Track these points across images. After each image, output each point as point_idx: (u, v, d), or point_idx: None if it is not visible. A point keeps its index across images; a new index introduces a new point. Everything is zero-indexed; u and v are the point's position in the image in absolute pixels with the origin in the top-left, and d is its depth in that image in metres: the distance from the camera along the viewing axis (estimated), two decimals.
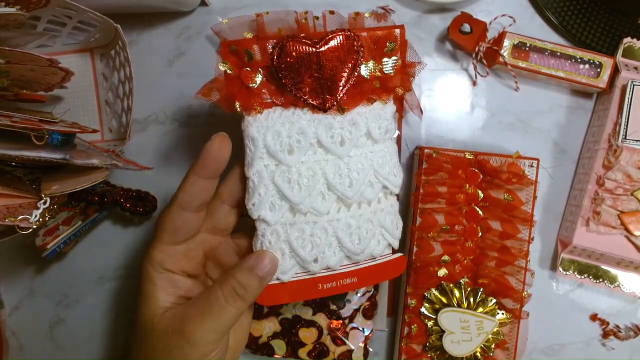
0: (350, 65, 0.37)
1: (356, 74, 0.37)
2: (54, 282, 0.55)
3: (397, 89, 0.38)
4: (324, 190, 0.37)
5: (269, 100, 0.37)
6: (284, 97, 0.37)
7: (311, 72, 0.36)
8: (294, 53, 0.36)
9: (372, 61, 0.38)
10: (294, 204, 0.37)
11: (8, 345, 0.55)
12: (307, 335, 0.49)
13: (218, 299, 0.36)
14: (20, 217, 0.39)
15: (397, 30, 0.38)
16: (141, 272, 0.38)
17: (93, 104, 0.53)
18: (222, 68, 0.36)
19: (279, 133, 0.36)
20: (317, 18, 0.49)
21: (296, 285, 0.38)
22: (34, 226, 0.40)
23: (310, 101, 0.36)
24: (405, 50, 0.38)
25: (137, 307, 0.38)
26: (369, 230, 0.39)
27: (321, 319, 0.49)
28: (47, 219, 0.41)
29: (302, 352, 0.49)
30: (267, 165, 0.37)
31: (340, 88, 0.37)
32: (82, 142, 0.50)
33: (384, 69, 0.38)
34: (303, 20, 0.48)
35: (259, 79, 0.37)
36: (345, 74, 0.37)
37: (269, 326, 0.50)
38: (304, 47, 0.36)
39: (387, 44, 0.38)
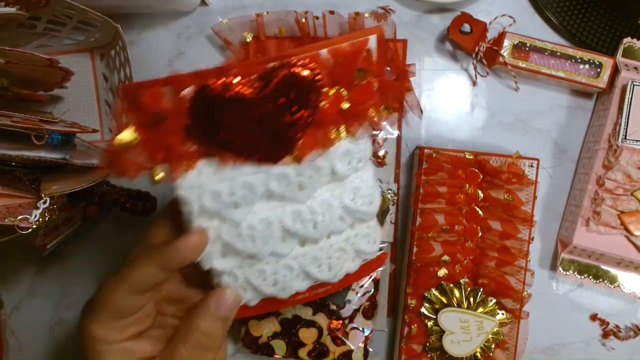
0: (305, 107, 0.28)
1: (313, 115, 0.29)
2: (54, 282, 0.55)
3: (378, 110, 0.31)
4: (283, 235, 0.32)
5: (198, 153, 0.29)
6: (218, 153, 0.29)
7: (251, 124, 0.28)
8: (220, 104, 0.27)
9: (336, 89, 0.29)
10: (248, 255, 0.32)
11: (8, 345, 0.55)
12: (307, 335, 0.49)
13: (184, 356, 0.31)
14: (20, 217, 0.39)
15: (372, 40, 0.29)
16: (84, 345, 0.33)
17: (93, 104, 0.53)
18: (123, 139, 0.28)
19: (217, 193, 0.30)
20: (317, 18, 0.49)
21: (266, 301, 0.35)
22: (34, 226, 0.40)
23: (253, 158, 0.29)
24: (384, 58, 0.30)
25: None
26: (341, 257, 0.34)
27: (321, 319, 0.49)
28: (47, 219, 0.41)
29: (302, 352, 0.49)
30: (211, 220, 0.31)
31: (293, 137, 0.29)
32: (82, 142, 0.50)
33: (354, 98, 0.30)
34: (303, 20, 0.48)
35: (179, 135, 0.28)
36: (299, 119, 0.28)
37: (269, 326, 0.50)
38: (235, 94, 0.27)
39: (357, 71, 0.29)
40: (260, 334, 0.50)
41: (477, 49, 0.49)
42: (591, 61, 0.47)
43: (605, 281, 0.49)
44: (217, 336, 0.32)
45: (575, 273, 0.49)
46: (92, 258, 0.54)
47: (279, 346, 0.49)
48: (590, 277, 0.49)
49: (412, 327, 0.47)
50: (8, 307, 0.55)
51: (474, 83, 0.51)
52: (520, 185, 0.46)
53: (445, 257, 0.47)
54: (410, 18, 0.52)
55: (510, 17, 0.49)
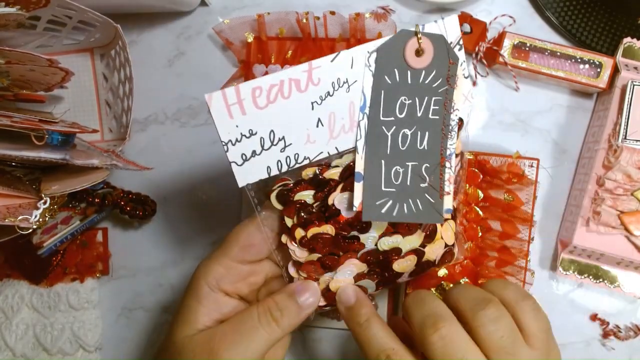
0: None
1: None
2: None
3: None
4: None
5: None
6: None
7: None
8: None
9: None
10: None
11: None
12: (403, 264, 0.36)
13: (252, 317, 0.33)
14: (20, 217, 0.39)
15: None
16: (190, 285, 0.36)
17: (93, 104, 0.53)
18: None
19: None
20: (318, 18, 0.49)
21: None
22: (34, 226, 0.40)
23: None
24: None
25: (172, 324, 0.36)
26: None
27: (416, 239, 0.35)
28: (47, 219, 0.41)
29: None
30: None
31: None
32: (82, 142, 0.50)
33: None
34: (304, 20, 0.49)
35: None
36: None
37: (350, 269, 0.36)
38: None
39: None
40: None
41: (477, 49, 0.49)
42: (591, 61, 0.47)
43: (605, 281, 0.49)
44: (285, 314, 0.34)
45: (575, 273, 0.49)
46: None
47: (370, 285, 0.37)
48: (590, 277, 0.49)
49: None
50: None
51: (474, 83, 0.51)
52: (520, 185, 0.46)
53: None
54: (410, 18, 0.52)
55: (510, 17, 0.49)
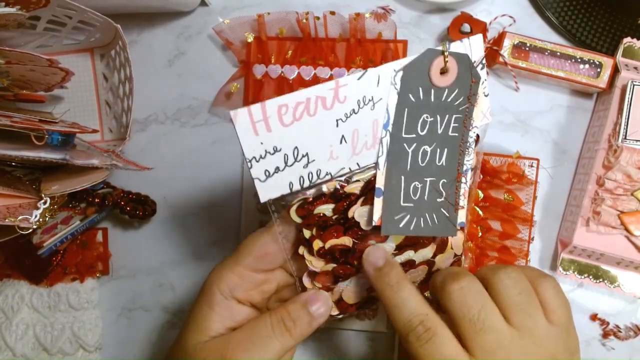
0: None
1: None
2: None
3: None
4: None
5: None
6: None
7: None
8: None
9: None
10: None
11: None
12: (414, 275, 0.37)
13: (265, 327, 0.34)
14: (20, 217, 0.39)
15: None
16: (203, 292, 0.36)
17: (93, 104, 0.53)
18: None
19: None
20: (318, 18, 0.49)
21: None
22: (34, 226, 0.40)
23: None
24: None
25: (183, 330, 0.36)
26: None
27: (428, 251, 0.36)
28: (47, 219, 0.41)
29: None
30: None
31: None
32: (82, 142, 0.50)
33: None
34: (304, 20, 0.49)
35: None
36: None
37: (364, 280, 0.37)
38: None
39: None
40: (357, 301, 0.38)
41: None
42: (591, 61, 0.47)
43: (605, 281, 0.49)
44: (298, 325, 0.34)
45: (575, 273, 0.49)
46: None
47: None
48: (590, 277, 0.49)
49: None
50: None
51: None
52: (520, 185, 0.46)
53: None
54: (410, 18, 0.52)
55: (510, 17, 0.49)
